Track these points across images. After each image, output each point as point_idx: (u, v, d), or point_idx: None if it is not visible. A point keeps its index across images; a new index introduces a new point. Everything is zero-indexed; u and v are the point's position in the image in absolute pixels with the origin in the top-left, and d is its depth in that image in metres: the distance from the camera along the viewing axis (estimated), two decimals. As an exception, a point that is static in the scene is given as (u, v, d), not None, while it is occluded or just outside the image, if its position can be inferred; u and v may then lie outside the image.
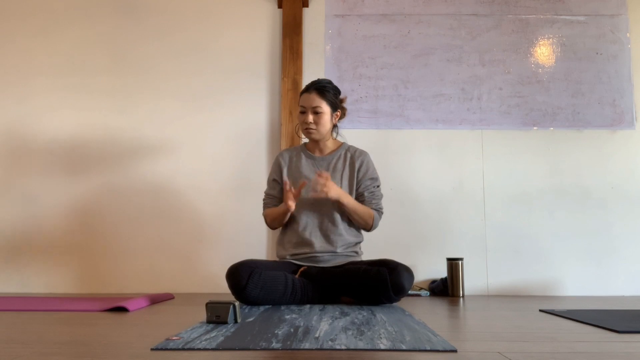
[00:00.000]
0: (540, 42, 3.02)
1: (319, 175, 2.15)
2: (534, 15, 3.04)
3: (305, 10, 3.05)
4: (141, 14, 3.07)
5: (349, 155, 2.36)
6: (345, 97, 2.45)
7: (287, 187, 2.18)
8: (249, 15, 3.06)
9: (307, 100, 2.28)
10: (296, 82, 2.92)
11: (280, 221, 2.30)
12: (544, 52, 3.01)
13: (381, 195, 2.35)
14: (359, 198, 2.32)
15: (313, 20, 3.05)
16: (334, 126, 2.40)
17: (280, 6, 3.04)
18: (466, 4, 3.05)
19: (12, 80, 3.03)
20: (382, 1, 3.06)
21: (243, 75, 3.01)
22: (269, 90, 3.00)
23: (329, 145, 2.39)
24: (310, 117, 2.27)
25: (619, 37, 3.01)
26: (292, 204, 2.16)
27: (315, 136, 2.32)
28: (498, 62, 3.01)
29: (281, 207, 2.24)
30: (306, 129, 2.30)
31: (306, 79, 2.94)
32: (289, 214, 2.23)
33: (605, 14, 3.03)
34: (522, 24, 3.04)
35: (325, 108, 2.28)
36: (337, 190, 2.18)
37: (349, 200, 2.22)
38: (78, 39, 3.06)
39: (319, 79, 2.35)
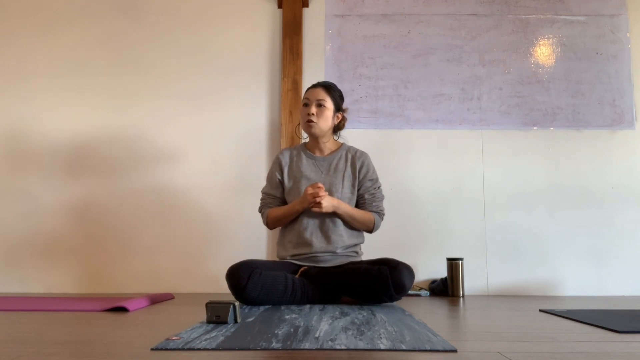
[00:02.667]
0: (540, 42, 3.02)
1: (312, 188, 2.14)
2: (534, 15, 3.04)
3: (305, 10, 3.05)
4: (141, 13, 3.07)
5: (349, 155, 2.36)
6: (347, 109, 2.48)
7: (320, 187, 2.15)
8: (249, 15, 3.06)
9: (313, 93, 2.30)
10: (296, 82, 2.92)
11: (286, 221, 2.29)
12: (544, 52, 3.01)
13: (382, 197, 2.35)
14: (360, 200, 2.32)
15: (313, 20, 3.05)
16: (336, 130, 2.40)
17: (280, 6, 3.04)
18: (466, 4, 3.05)
19: (12, 80, 3.03)
20: (382, 1, 3.06)
21: (243, 75, 3.01)
22: (269, 90, 3.00)
23: (329, 145, 2.38)
24: (313, 109, 2.27)
25: (619, 37, 3.01)
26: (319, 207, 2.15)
27: (315, 130, 2.29)
28: (498, 62, 3.01)
29: (293, 207, 2.23)
30: (308, 121, 2.28)
31: (306, 79, 2.94)
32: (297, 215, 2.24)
33: (605, 14, 3.03)
34: (522, 24, 3.04)
35: (329, 104, 2.29)
36: (330, 202, 2.17)
37: (345, 209, 2.22)
38: (78, 39, 3.06)
39: (326, 81, 2.40)
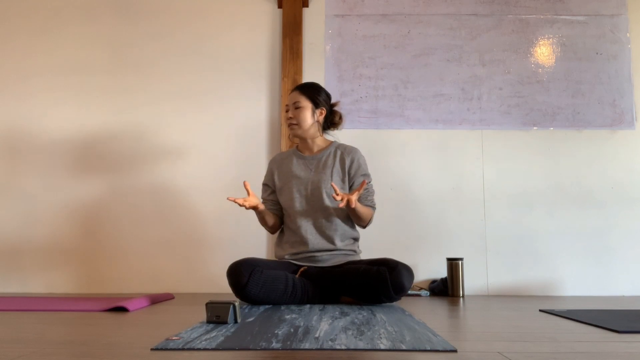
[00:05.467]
0: (540, 42, 3.02)
1: (337, 194, 2.13)
2: (534, 15, 3.04)
3: (305, 10, 3.05)
4: (141, 13, 3.07)
5: (338, 152, 2.38)
6: (338, 102, 2.50)
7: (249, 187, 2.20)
8: (249, 15, 3.06)
9: (289, 98, 2.40)
10: (296, 82, 2.92)
11: (264, 223, 2.35)
12: (544, 52, 3.01)
13: (374, 192, 2.36)
14: None
15: (313, 20, 3.05)
16: (325, 128, 2.43)
17: (280, 6, 3.04)
18: (466, 4, 3.05)
19: (12, 80, 3.03)
20: (382, 1, 3.06)
21: (243, 75, 3.01)
22: (269, 90, 3.00)
23: (318, 143, 2.41)
24: (290, 113, 2.35)
25: (619, 37, 3.01)
26: (253, 206, 2.19)
27: (297, 131, 2.35)
28: (498, 62, 3.01)
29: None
30: (289, 125, 2.37)
31: (306, 79, 2.94)
32: (260, 214, 2.29)
33: (605, 14, 3.03)
34: (522, 24, 3.04)
35: (304, 103, 2.34)
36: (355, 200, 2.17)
37: (360, 205, 2.21)
38: (78, 39, 3.06)
39: (304, 82, 2.47)
